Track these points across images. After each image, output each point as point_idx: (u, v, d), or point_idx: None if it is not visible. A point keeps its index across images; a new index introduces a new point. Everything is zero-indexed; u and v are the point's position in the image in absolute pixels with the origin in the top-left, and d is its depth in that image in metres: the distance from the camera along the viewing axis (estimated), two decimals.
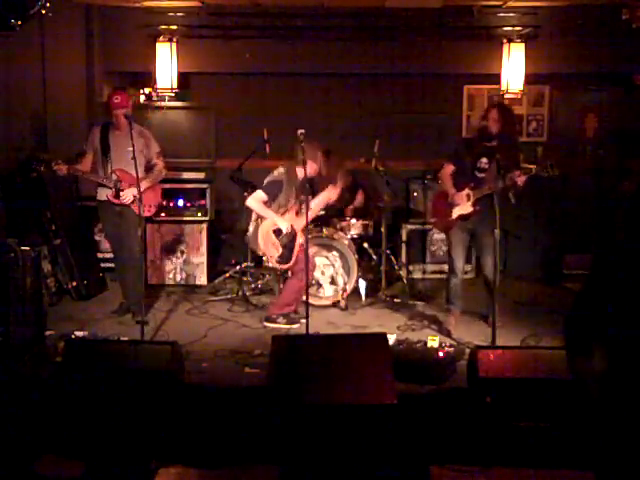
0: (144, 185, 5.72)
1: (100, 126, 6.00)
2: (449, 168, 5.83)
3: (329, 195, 6.15)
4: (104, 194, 5.89)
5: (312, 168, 5.86)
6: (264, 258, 6.87)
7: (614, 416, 2.57)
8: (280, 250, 5.88)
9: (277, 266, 5.97)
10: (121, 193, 5.81)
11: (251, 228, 6.02)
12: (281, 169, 5.92)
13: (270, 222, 5.88)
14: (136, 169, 5.35)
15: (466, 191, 5.66)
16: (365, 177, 7.64)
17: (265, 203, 5.86)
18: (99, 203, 6.00)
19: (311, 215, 5.82)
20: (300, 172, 5.82)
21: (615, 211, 7.57)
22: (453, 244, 5.87)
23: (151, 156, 6.01)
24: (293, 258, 5.90)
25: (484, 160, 5.63)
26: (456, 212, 5.73)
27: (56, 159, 5.69)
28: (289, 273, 6.20)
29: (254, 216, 5.99)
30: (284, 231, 5.86)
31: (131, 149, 5.66)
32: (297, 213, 5.97)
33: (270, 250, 5.88)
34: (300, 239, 5.88)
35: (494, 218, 5.35)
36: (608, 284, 2.60)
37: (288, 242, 5.89)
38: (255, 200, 5.87)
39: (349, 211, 7.23)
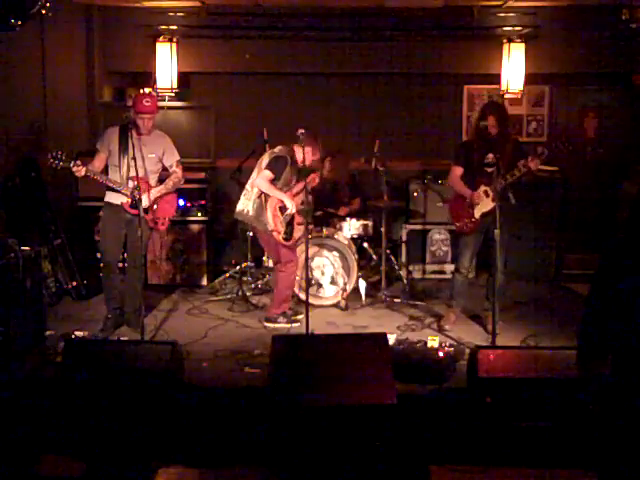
0: (161, 191, 5.67)
1: (118, 127, 5.60)
2: (458, 171, 5.83)
3: (312, 181, 6.15)
4: (118, 199, 5.55)
5: (312, 154, 5.89)
6: (264, 257, 6.90)
7: (621, 418, 2.57)
8: (284, 227, 5.90)
9: (282, 242, 5.91)
10: (141, 193, 5.36)
11: (253, 205, 5.88)
12: (281, 147, 5.93)
13: (275, 199, 5.87)
14: (136, 170, 5.26)
15: (482, 188, 5.67)
16: (365, 177, 7.65)
17: (271, 182, 5.84)
18: (109, 205, 5.63)
19: (299, 199, 5.91)
20: (298, 153, 5.85)
21: (616, 211, 7.58)
22: (466, 243, 5.86)
23: (171, 163, 5.78)
24: (293, 235, 5.95)
25: (490, 155, 5.64)
26: (478, 211, 5.70)
27: (75, 160, 5.35)
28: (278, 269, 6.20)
29: (254, 195, 5.88)
30: (290, 210, 5.86)
31: (152, 155, 5.58)
32: (293, 195, 5.98)
33: (278, 226, 5.88)
34: (297, 219, 5.96)
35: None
36: (613, 288, 2.59)
37: (289, 220, 5.93)
38: (263, 179, 5.82)
39: (343, 211, 7.22)
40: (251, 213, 5.90)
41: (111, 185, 5.54)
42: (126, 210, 5.58)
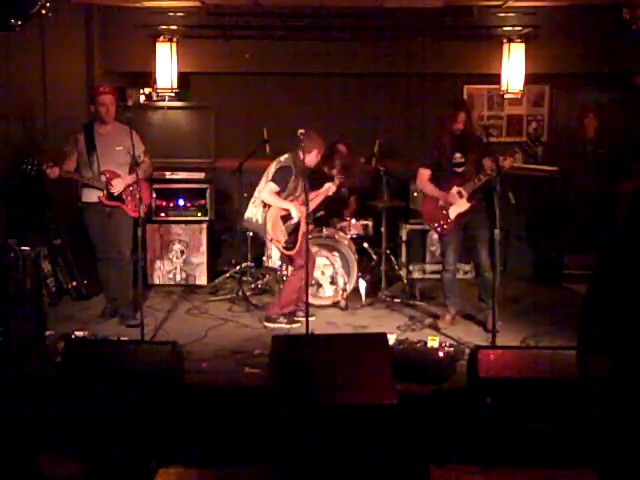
0: (132, 178, 5.72)
1: (83, 127, 5.86)
2: (426, 173, 5.88)
3: (327, 191, 6.24)
4: (94, 196, 5.75)
5: (316, 157, 5.95)
6: (264, 257, 6.92)
7: (620, 418, 2.57)
8: (286, 236, 5.90)
9: (283, 252, 5.95)
10: (112, 182, 5.68)
11: (261, 214, 5.92)
12: (287, 155, 5.94)
13: (277, 208, 5.88)
14: (132, 167, 5.37)
15: (455, 189, 5.70)
16: (365, 177, 7.65)
17: (277, 194, 5.86)
18: (86, 205, 5.83)
19: (311, 206, 5.91)
20: (306, 159, 5.89)
21: (615, 211, 7.58)
22: (447, 242, 5.93)
23: (139, 154, 5.85)
24: (297, 245, 5.90)
25: (458, 155, 5.69)
26: (453, 212, 5.76)
27: (47, 162, 5.51)
28: (288, 272, 6.23)
29: (261, 203, 5.94)
30: (295, 219, 5.86)
31: (119, 148, 5.69)
32: (301, 202, 5.99)
33: (278, 235, 5.89)
34: (303, 227, 5.89)
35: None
36: (612, 285, 2.59)
37: (293, 229, 5.92)
38: (268, 193, 5.85)
39: (346, 214, 7.27)
40: (260, 222, 5.94)
41: (85, 182, 5.74)
42: (104, 204, 5.75)
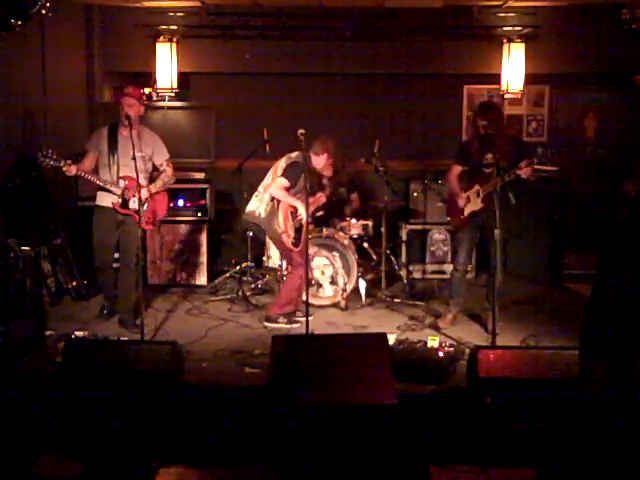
0: (151, 190, 5.64)
1: (108, 127, 5.68)
2: (457, 169, 5.92)
3: (318, 200, 6.31)
4: (108, 200, 5.58)
5: (325, 161, 5.97)
6: (264, 257, 6.92)
7: (618, 418, 2.57)
8: (294, 232, 5.91)
9: (291, 247, 5.93)
10: (132, 196, 5.48)
11: (265, 208, 5.91)
12: (297, 152, 5.89)
13: (287, 203, 5.88)
14: (136, 171, 5.24)
15: (475, 187, 5.74)
16: (365, 177, 7.65)
17: (286, 189, 5.85)
18: (99, 208, 5.67)
19: (315, 207, 6.00)
20: (314, 160, 5.91)
21: (617, 211, 7.58)
22: (460, 241, 5.97)
23: (161, 162, 5.76)
24: (302, 242, 5.90)
25: (489, 156, 5.68)
26: (467, 209, 5.80)
27: (65, 159, 5.38)
28: (288, 271, 6.22)
29: (267, 198, 5.92)
30: (302, 216, 5.83)
31: (141, 154, 5.50)
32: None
33: (289, 229, 5.89)
34: (304, 226, 5.91)
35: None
36: (614, 288, 2.59)
37: (299, 226, 5.93)
38: (278, 188, 5.83)
39: (347, 212, 7.26)
40: (263, 215, 5.93)
41: (102, 184, 5.56)
42: (117, 210, 5.60)
